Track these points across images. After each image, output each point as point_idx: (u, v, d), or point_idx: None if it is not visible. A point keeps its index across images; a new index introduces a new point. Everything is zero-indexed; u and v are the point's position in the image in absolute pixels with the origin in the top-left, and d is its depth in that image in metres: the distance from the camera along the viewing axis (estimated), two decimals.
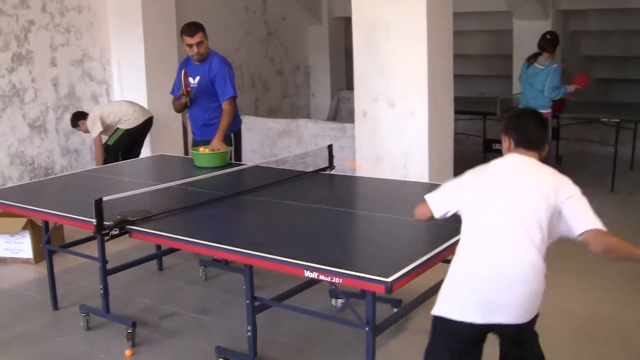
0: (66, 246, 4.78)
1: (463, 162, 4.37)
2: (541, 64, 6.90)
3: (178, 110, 5.60)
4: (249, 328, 3.38)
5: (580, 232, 2.59)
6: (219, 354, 3.70)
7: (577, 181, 7.58)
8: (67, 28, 7.26)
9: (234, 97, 5.19)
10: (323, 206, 3.88)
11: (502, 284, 2.49)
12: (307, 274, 2.79)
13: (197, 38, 5.10)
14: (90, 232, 3.61)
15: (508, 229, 2.52)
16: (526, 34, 8.72)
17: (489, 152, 7.91)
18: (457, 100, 7.20)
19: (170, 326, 4.22)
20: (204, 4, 8.69)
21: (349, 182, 4.76)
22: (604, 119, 7.43)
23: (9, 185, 6.61)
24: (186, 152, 7.50)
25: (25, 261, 5.46)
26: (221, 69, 5.14)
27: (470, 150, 8.39)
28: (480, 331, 2.56)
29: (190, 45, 5.13)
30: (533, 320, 2.61)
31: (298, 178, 4.60)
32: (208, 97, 5.23)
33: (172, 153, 6.24)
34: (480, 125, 8.46)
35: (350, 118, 7.49)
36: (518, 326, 2.53)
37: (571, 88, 7.15)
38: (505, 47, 9.71)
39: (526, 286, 2.54)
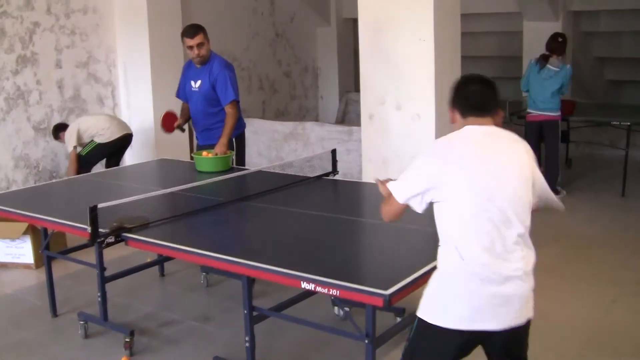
0: (67, 252, 4.72)
1: None
2: (555, 66, 6.84)
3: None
4: (247, 338, 3.31)
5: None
6: None
7: (587, 184, 7.48)
8: (73, 30, 7.21)
9: (236, 101, 5.12)
10: (324, 213, 3.80)
11: (502, 283, 2.33)
12: (304, 285, 2.71)
13: (198, 39, 5.03)
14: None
15: (501, 218, 2.32)
16: (536, 35, 8.60)
17: None
18: None
19: (169, 334, 4.16)
20: (210, 6, 8.64)
21: (353, 187, 4.68)
22: (615, 122, 7.31)
23: (14, 188, 6.59)
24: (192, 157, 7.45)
25: (26, 266, 5.41)
26: (222, 73, 5.07)
27: None
28: (475, 339, 2.41)
29: (191, 47, 5.06)
30: (528, 324, 2.47)
31: (301, 183, 4.52)
32: (209, 101, 5.16)
33: (177, 157, 6.17)
34: None
35: (358, 120, 7.42)
36: (515, 330, 2.40)
37: None
38: (515, 48, 9.61)
39: (526, 284, 2.40)
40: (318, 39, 10.78)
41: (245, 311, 3.27)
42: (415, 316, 2.47)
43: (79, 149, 6.56)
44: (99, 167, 7.01)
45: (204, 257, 3.09)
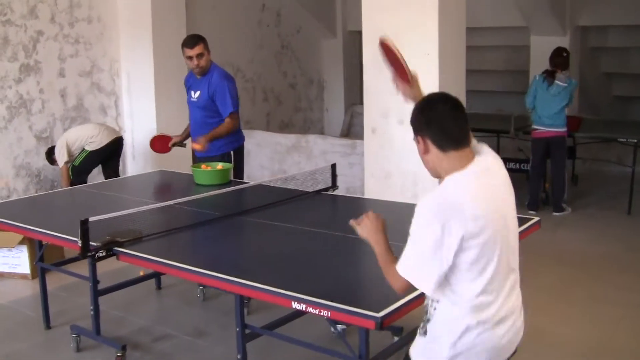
0: (63, 263, 4.66)
1: None
2: (562, 82, 6.80)
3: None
4: (238, 357, 3.24)
5: None
6: None
7: (592, 202, 7.37)
8: (77, 39, 7.20)
9: (236, 112, 5.07)
10: (321, 230, 3.73)
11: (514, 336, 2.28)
12: (295, 305, 2.65)
13: (197, 50, 4.99)
14: None
15: (506, 273, 2.23)
16: (543, 50, 8.51)
17: None
18: (472, 117, 7.00)
19: (162, 349, 4.09)
20: (216, 16, 8.63)
21: (352, 203, 4.61)
22: (622, 139, 7.23)
23: (14, 197, 6.55)
24: None
25: (22, 276, 5.36)
26: (221, 84, 5.02)
27: None
28: None
29: (191, 58, 5.03)
30: None
31: (299, 198, 4.46)
32: (207, 112, 5.12)
33: (180, 167, 6.12)
34: (495, 143, 8.28)
35: (363, 133, 7.38)
36: None
37: None
38: (522, 62, 9.55)
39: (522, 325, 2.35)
40: (324, 51, 10.74)
41: (238, 329, 3.20)
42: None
43: (70, 162, 6.50)
44: (100, 177, 6.98)
45: (195, 274, 3.03)
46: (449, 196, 2.16)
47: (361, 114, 9.72)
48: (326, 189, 4.64)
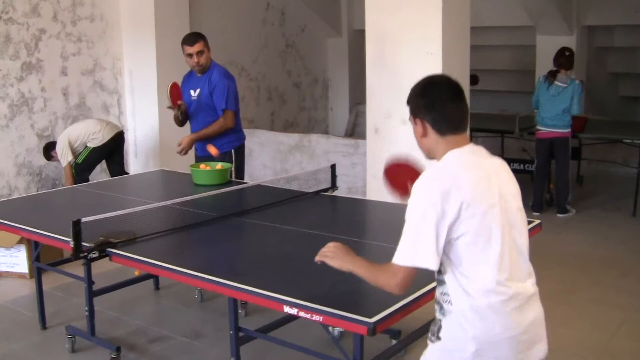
0: (60, 263, 4.63)
1: None
2: (563, 82, 6.71)
3: (178, 125, 5.41)
4: None
5: None
6: None
7: (597, 203, 7.28)
8: (79, 37, 7.17)
9: (232, 112, 5.02)
10: (318, 232, 3.68)
11: (533, 326, 2.17)
12: (287, 309, 2.61)
13: (197, 47, 4.95)
14: None
15: (517, 255, 2.17)
16: (550, 49, 8.44)
17: None
18: (477, 117, 6.98)
19: (158, 351, 4.05)
20: (219, 15, 8.58)
21: (351, 204, 4.57)
22: (627, 140, 7.16)
23: (15, 195, 6.53)
24: None
25: (20, 276, 5.34)
26: (221, 82, 4.98)
27: None
28: None
29: (191, 55, 4.99)
30: None
31: (298, 198, 4.41)
32: (207, 111, 5.08)
33: (183, 165, 6.08)
34: (499, 144, 8.22)
35: None
36: None
37: None
38: (528, 62, 9.48)
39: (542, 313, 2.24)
40: (329, 50, 10.69)
41: (231, 332, 3.16)
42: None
43: (73, 159, 6.47)
44: (102, 176, 6.96)
45: (187, 276, 2.99)
46: (445, 167, 2.16)
47: (366, 114, 9.72)
48: (326, 190, 4.59)
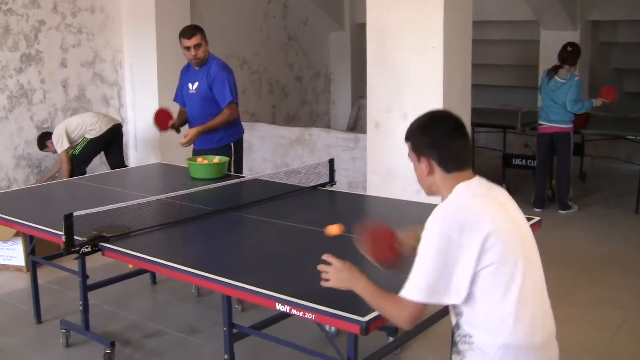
0: (56, 256, 4.59)
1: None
2: (562, 78, 6.64)
3: (177, 132, 5.40)
4: (225, 357, 3.16)
5: None
6: None
7: (600, 200, 7.21)
8: (79, 29, 7.12)
9: (235, 103, 4.99)
10: (314, 227, 3.62)
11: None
12: (279, 307, 2.57)
13: (195, 40, 4.91)
14: None
15: (539, 284, 2.17)
16: (554, 44, 8.37)
17: (508, 167, 7.63)
18: (479, 112, 6.93)
19: (153, 346, 4.02)
20: (221, 8, 8.52)
21: (349, 200, 4.51)
22: (630, 136, 7.09)
23: (14, 187, 6.50)
24: None
25: (17, 269, 5.31)
26: (220, 74, 4.94)
27: (488, 165, 8.07)
28: None
29: (188, 48, 4.95)
30: None
31: (296, 193, 4.36)
32: (206, 103, 5.04)
33: (182, 158, 6.04)
34: (501, 139, 8.16)
35: None
36: None
37: (598, 102, 6.86)
38: (531, 57, 9.40)
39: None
40: (331, 44, 10.62)
41: (225, 328, 3.12)
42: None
43: (70, 150, 6.45)
44: (101, 169, 6.93)
45: (179, 272, 2.95)
46: (459, 200, 2.10)
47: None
48: (324, 184, 4.55)
